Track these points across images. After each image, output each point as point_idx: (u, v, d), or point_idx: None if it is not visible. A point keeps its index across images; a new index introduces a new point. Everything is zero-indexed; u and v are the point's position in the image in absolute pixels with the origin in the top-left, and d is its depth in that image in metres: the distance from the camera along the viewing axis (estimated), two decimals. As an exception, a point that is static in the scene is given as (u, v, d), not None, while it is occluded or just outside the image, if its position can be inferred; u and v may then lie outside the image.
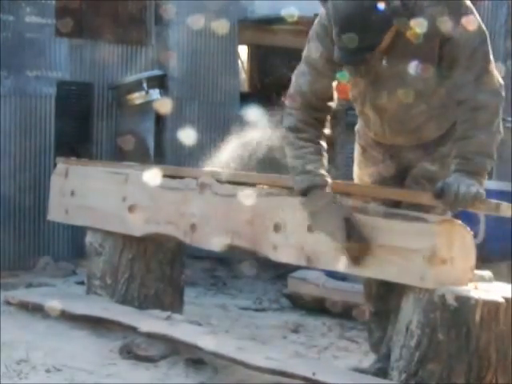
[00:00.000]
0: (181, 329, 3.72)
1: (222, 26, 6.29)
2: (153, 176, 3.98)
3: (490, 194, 3.08)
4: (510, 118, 5.71)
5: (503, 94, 3.08)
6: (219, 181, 3.77)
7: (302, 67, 3.20)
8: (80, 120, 6.02)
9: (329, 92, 3.19)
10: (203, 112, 6.46)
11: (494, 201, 2.99)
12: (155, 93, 6.02)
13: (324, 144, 3.19)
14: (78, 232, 5.41)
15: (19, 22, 5.64)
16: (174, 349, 3.60)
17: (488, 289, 2.99)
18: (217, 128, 6.40)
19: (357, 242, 3.08)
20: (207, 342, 3.48)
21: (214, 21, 6.29)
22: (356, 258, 3.11)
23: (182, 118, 6.30)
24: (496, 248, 4.64)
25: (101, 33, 6.14)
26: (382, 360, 3.43)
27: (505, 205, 2.96)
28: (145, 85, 5.94)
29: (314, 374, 3.10)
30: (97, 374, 3.38)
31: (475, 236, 3.15)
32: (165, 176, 3.99)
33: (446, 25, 2.98)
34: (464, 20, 3.01)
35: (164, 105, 5.89)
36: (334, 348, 4.09)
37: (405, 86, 3.13)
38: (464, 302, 2.88)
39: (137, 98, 5.96)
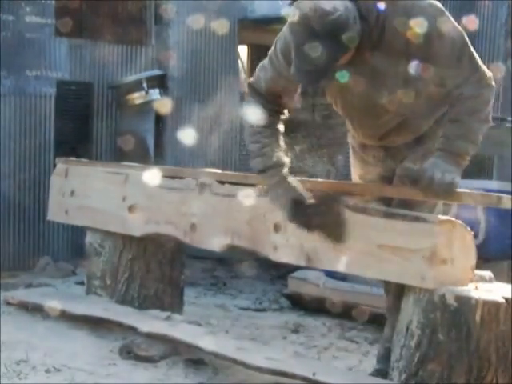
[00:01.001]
0: (181, 329, 3.72)
1: (222, 26, 6.29)
2: (153, 176, 3.98)
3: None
4: (510, 118, 5.72)
5: (493, 84, 3.12)
6: (219, 181, 3.77)
7: (265, 62, 3.28)
8: (80, 120, 6.01)
9: (285, 91, 3.27)
10: (203, 112, 6.46)
11: (494, 194, 3.00)
12: (155, 93, 6.01)
13: (281, 128, 3.31)
14: (77, 232, 5.42)
15: (19, 21, 5.64)
16: (173, 349, 3.60)
17: (488, 289, 2.99)
18: (217, 128, 6.40)
19: (300, 223, 3.23)
20: (207, 342, 3.47)
21: (214, 21, 6.29)
22: (331, 237, 3.23)
23: (182, 118, 6.30)
24: (496, 248, 4.64)
25: (101, 33, 6.15)
26: (380, 361, 3.44)
27: (506, 197, 2.96)
28: (145, 85, 5.94)
29: (314, 374, 3.10)
30: (97, 374, 3.37)
31: (475, 236, 3.15)
32: (164, 176, 3.99)
33: (420, 34, 2.99)
34: (441, 24, 3.02)
35: (164, 105, 5.89)
36: (333, 348, 4.09)
37: (370, 92, 3.16)
38: (464, 302, 2.87)
39: (137, 97, 5.96)
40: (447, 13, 3.08)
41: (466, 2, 7.41)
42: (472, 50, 3.10)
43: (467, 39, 3.10)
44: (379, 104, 3.19)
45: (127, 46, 6.21)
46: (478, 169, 6.54)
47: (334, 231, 3.22)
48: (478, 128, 3.08)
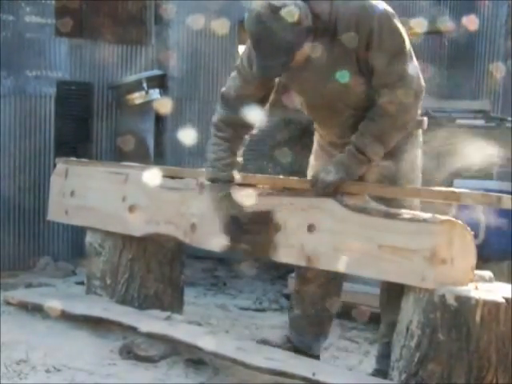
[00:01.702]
0: (181, 329, 3.72)
1: (221, 26, 6.28)
2: (153, 176, 3.98)
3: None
4: (510, 118, 5.72)
5: (419, 97, 3.25)
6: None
7: (234, 72, 3.50)
8: (80, 120, 6.02)
9: (255, 96, 3.45)
10: (203, 112, 6.45)
11: (494, 194, 3.01)
12: (155, 93, 6.01)
13: (241, 143, 3.52)
14: (77, 232, 5.42)
15: (19, 21, 5.64)
16: (173, 349, 3.60)
17: (488, 289, 2.99)
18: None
19: (235, 240, 3.50)
20: (207, 342, 3.47)
21: (214, 21, 6.29)
22: (247, 252, 3.57)
23: (182, 117, 6.30)
24: (496, 248, 4.64)
25: (101, 33, 6.15)
26: (379, 361, 3.47)
27: (506, 197, 2.96)
28: (145, 85, 5.94)
29: (313, 374, 3.10)
30: (97, 375, 3.37)
31: (475, 236, 3.15)
32: (164, 176, 3.99)
33: (364, 33, 3.16)
34: (384, 26, 3.18)
35: (164, 105, 5.89)
36: (333, 348, 4.09)
37: (326, 90, 3.32)
38: (464, 302, 2.87)
39: (137, 97, 5.96)
40: (395, 16, 3.22)
41: (465, 1, 7.41)
42: (408, 58, 3.23)
43: (408, 48, 3.24)
44: (337, 100, 3.33)
45: (127, 46, 6.21)
46: (478, 169, 6.54)
47: (261, 250, 3.49)
48: (390, 132, 3.24)
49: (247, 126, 3.51)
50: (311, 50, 3.24)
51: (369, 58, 3.20)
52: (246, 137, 3.54)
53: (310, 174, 3.68)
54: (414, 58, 3.28)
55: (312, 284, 3.65)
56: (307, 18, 3.14)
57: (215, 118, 3.53)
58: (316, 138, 3.69)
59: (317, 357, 3.72)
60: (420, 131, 3.49)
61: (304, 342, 3.70)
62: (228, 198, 3.50)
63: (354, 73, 3.25)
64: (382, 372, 3.38)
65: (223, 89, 3.54)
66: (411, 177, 3.44)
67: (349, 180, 3.29)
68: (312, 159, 3.71)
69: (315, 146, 3.70)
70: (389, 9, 3.23)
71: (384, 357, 3.38)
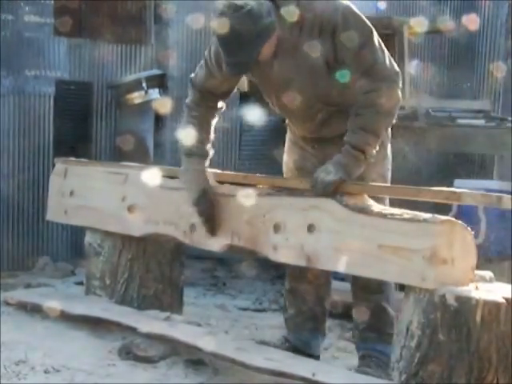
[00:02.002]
0: (180, 329, 3.72)
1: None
2: (152, 176, 3.97)
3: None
4: (510, 118, 5.72)
5: (397, 80, 3.35)
6: (219, 181, 3.77)
7: (202, 61, 3.64)
8: (79, 119, 6.00)
9: (218, 89, 3.64)
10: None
11: (494, 194, 3.00)
12: (155, 92, 6.00)
13: (212, 122, 3.72)
14: (76, 232, 5.41)
15: (18, 21, 5.63)
16: (173, 349, 3.59)
17: (488, 289, 2.98)
18: (216, 128, 6.39)
19: (202, 212, 3.65)
20: (207, 342, 3.47)
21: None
22: (210, 228, 3.67)
23: (182, 117, 6.28)
24: (496, 248, 4.64)
25: (100, 32, 6.14)
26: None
27: (506, 197, 2.96)
28: (144, 84, 5.93)
29: (313, 374, 3.10)
30: (96, 375, 3.37)
31: (476, 236, 3.15)
32: (164, 176, 3.99)
33: (330, 27, 3.30)
34: (349, 20, 3.32)
35: (164, 104, 5.87)
36: (333, 348, 4.09)
37: (295, 87, 3.43)
38: (465, 302, 2.87)
39: (136, 97, 5.95)
40: (358, 12, 3.37)
41: (466, 1, 7.41)
42: (377, 45, 3.34)
43: (375, 36, 3.36)
44: (306, 96, 3.44)
45: (127, 46, 6.20)
46: (478, 169, 6.54)
47: (208, 223, 3.67)
48: (378, 119, 3.32)
49: (216, 108, 3.71)
50: (278, 47, 3.35)
51: (338, 53, 3.31)
52: (216, 119, 3.73)
53: (284, 170, 3.82)
54: (383, 46, 3.38)
55: (303, 282, 3.76)
56: (270, 15, 3.26)
57: (187, 100, 3.73)
58: (288, 134, 3.80)
59: (317, 357, 3.77)
60: (389, 130, 3.59)
61: (302, 340, 3.79)
62: (201, 172, 3.67)
63: (321, 69, 3.36)
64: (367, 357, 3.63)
65: (192, 75, 3.72)
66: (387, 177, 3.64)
67: (348, 179, 3.32)
68: (285, 156, 3.82)
69: (287, 142, 3.81)
70: (352, 5, 3.38)
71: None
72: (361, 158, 3.33)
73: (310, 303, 3.81)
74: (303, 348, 3.76)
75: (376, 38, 3.36)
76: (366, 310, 3.61)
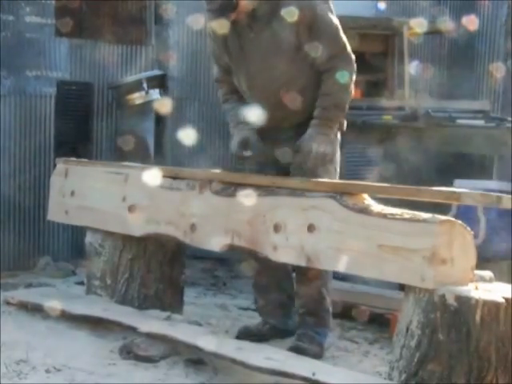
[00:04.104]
0: (181, 329, 3.72)
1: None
2: (153, 176, 3.98)
3: (491, 193, 3.09)
4: (510, 118, 5.72)
5: (353, 60, 3.82)
6: (219, 181, 3.78)
7: (213, 61, 4.11)
8: (80, 120, 6.00)
9: (229, 70, 4.01)
10: (203, 112, 6.45)
11: (494, 194, 3.01)
12: (155, 93, 6.00)
13: (241, 98, 4.03)
14: (77, 232, 5.41)
15: (19, 21, 5.63)
16: (173, 349, 3.60)
17: (488, 289, 2.99)
18: (217, 128, 6.40)
19: (244, 154, 3.95)
20: (207, 342, 3.47)
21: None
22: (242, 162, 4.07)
23: (182, 117, 6.29)
24: (496, 248, 4.64)
25: (101, 33, 6.14)
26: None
27: (506, 197, 2.96)
28: (145, 85, 5.93)
29: (313, 374, 3.10)
30: (97, 374, 3.38)
31: (475, 236, 3.15)
32: (165, 176, 4.00)
33: (307, 16, 3.72)
34: (323, 6, 3.78)
35: (164, 105, 5.88)
36: (333, 348, 4.09)
37: (266, 59, 3.79)
38: (464, 302, 2.87)
39: (137, 97, 5.95)
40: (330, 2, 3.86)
41: (466, 2, 7.41)
42: (334, 22, 3.81)
43: (332, 10, 3.86)
44: (273, 69, 3.79)
45: (127, 46, 6.20)
46: (478, 169, 6.54)
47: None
48: (346, 98, 3.82)
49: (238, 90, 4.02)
50: (255, 18, 3.76)
51: (311, 36, 3.72)
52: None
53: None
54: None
55: (264, 275, 4.09)
56: None
57: (220, 96, 4.12)
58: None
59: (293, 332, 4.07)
60: (339, 133, 3.92)
61: (278, 321, 4.14)
62: (246, 129, 3.93)
63: (291, 44, 3.74)
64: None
65: (214, 76, 4.16)
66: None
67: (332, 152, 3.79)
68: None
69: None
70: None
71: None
72: (333, 129, 3.79)
73: (274, 293, 4.13)
74: (281, 326, 4.13)
75: (332, 10, 3.86)
76: (307, 295, 3.96)
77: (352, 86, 3.84)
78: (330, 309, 4.02)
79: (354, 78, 3.84)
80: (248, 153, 3.94)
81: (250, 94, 3.95)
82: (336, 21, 3.83)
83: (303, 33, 3.73)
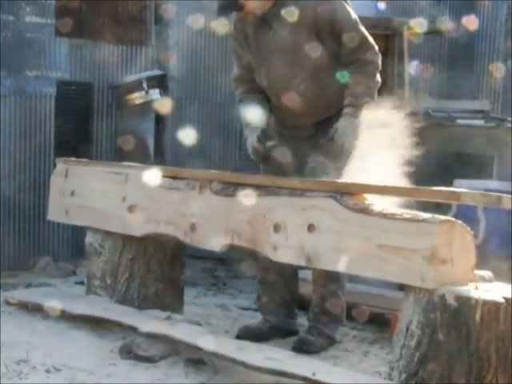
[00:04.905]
0: (181, 329, 3.72)
1: (222, 26, 6.27)
2: (153, 176, 3.98)
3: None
4: (510, 118, 5.72)
5: (376, 48, 3.91)
6: (219, 181, 3.78)
7: (234, 60, 4.17)
8: (80, 120, 6.01)
9: (251, 69, 4.07)
10: (203, 112, 6.45)
11: (494, 194, 3.01)
12: (155, 93, 6.01)
13: (260, 95, 4.10)
14: (77, 232, 5.41)
15: (19, 21, 5.64)
16: (173, 349, 3.60)
17: (488, 289, 2.99)
18: (217, 128, 6.40)
19: (267, 144, 3.97)
20: (207, 342, 3.47)
21: (214, 21, 6.28)
22: (262, 158, 4.05)
23: (182, 117, 6.29)
24: (496, 247, 4.64)
25: (101, 33, 6.14)
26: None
27: (506, 197, 2.96)
28: (145, 85, 5.93)
29: (313, 374, 3.10)
30: (97, 374, 3.37)
31: (475, 236, 3.15)
32: (165, 176, 4.00)
33: (323, 8, 3.83)
34: (342, 6, 3.89)
35: (164, 105, 5.88)
36: (334, 348, 4.09)
37: (286, 56, 3.88)
38: (464, 302, 2.87)
39: (137, 97, 5.95)
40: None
41: (465, 1, 7.41)
42: (359, 22, 3.92)
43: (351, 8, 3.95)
44: (293, 63, 3.87)
45: (127, 46, 6.20)
46: (478, 169, 6.54)
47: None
48: (375, 87, 3.91)
49: (258, 87, 4.09)
50: (274, 16, 3.84)
51: (336, 24, 3.82)
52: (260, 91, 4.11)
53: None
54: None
55: (271, 272, 4.11)
56: None
57: (237, 95, 4.17)
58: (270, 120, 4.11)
59: (296, 332, 4.14)
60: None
61: (280, 320, 4.16)
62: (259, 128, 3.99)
63: (313, 44, 3.83)
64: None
65: (232, 75, 4.20)
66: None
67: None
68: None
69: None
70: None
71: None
72: (361, 113, 3.72)
73: (280, 292, 4.16)
74: (282, 325, 4.15)
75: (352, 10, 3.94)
76: (323, 296, 4.02)
77: (378, 75, 3.92)
78: (344, 308, 4.13)
79: (380, 65, 3.93)
80: (270, 142, 3.98)
81: (271, 90, 4.01)
82: (354, 14, 3.90)
83: (323, 28, 3.82)
